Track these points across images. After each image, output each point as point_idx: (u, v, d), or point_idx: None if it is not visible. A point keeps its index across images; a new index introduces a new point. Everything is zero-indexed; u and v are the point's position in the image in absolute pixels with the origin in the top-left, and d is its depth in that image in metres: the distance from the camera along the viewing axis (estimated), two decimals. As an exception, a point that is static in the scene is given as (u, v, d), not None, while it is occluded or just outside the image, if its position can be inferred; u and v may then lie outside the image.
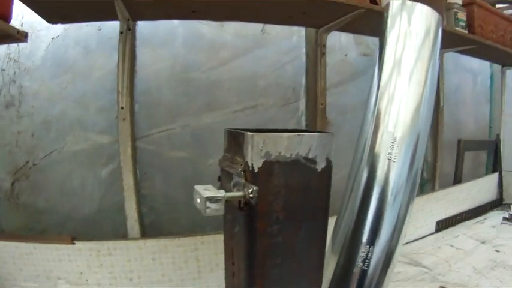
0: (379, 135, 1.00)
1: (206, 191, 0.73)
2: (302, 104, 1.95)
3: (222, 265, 1.47)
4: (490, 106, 2.97)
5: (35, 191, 1.70)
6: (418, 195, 2.10)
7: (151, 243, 1.52)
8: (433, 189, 2.38)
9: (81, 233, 1.55)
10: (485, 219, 2.46)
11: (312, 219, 0.83)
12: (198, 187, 0.76)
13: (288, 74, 1.93)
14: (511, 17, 2.31)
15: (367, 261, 1.00)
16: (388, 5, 1.04)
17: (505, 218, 2.37)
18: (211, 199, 0.70)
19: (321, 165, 0.81)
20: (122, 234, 1.60)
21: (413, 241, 2.10)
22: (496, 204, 2.69)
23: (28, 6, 1.35)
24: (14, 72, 1.65)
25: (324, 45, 1.78)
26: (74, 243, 1.48)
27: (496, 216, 2.48)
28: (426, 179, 2.46)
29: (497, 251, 1.94)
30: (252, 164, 0.74)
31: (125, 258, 1.51)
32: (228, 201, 0.72)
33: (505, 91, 2.82)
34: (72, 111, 1.69)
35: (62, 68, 1.67)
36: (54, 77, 1.67)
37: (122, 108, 1.51)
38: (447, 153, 2.55)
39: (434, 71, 1.04)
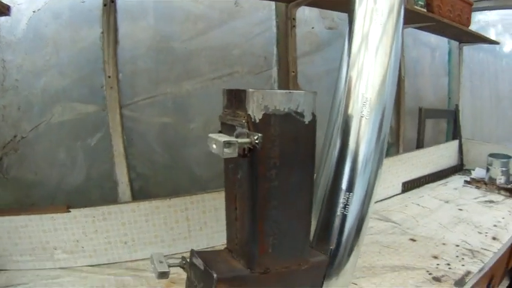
0: (351, 98, 1.11)
1: (221, 137, 0.81)
2: (274, 72, 2.04)
3: (210, 223, 1.60)
4: (449, 79, 3.15)
5: (24, 165, 1.72)
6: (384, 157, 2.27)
7: (144, 206, 1.58)
8: (397, 153, 2.53)
9: (71, 203, 1.57)
10: (447, 182, 2.64)
11: (301, 165, 0.93)
12: (212, 135, 0.84)
13: (260, 44, 2.00)
14: None
15: (347, 206, 1.11)
16: None
17: (466, 181, 2.56)
18: (227, 143, 0.79)
19: (308, 119, 0.91)
20: (111, 201, 1.64)
21: (382, 200, 2.24)
22: (457, 169, 2.88)
23: None
24: None
25: (294, 19, 1.88)
26: (70, 211, 1.52)
27: (457, 180, 2.66)
28: (390, 143, 2.60)
29: (460, 209, 2.10)
30: (254, 116, 0.83)
31: (119, 222, 1.57)
32: (240, 148, 0.82)
33: (462, 66, 3.02)
34: (57, 82, 1.69)
35: (45, 40, 1.67)
36: (37, 49, 1.67)
37: (109, 77, 1.56)
38: (409, 120, 2.71)
39: (398, 43, 1.13)
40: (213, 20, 1.89)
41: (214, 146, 0.81)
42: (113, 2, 1.53)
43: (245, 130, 0.83)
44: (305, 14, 2.09)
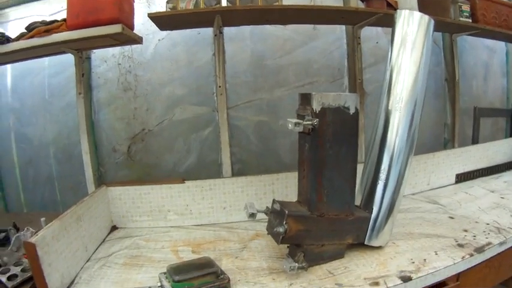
0: (391, 95, 1.47)
1: (294, 120, 1.28)
2: (346, 80, 2.42)
3: (291, 196, 1.90)
4: (507, 79, 3.24)
5: (148, 151, 2.19)
6: (440, 150, 2.48)
7: (241, 180, 1.94)
8: (452, 147, 2.72)
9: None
10: (500, 176, 2.67)
11: (348, 142, 1.38)
12: (289, 119, 1.29)
13: (334, 58, 2.39)
14: (511, 3, 2.55)
15: (388, 178, 1.49)
16: (396, 11, 1.51)
17: None
18: (297, 123, 1.27)
19: (352, 111, 1.35)
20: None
21: (435, 188, 2.40)
22: None
23: (153, 21, 1.80)
24: (129, 65, 2.13)
25: (359, 37, 2.24)
26: (184, 182, 1.89)
27: (511, 175, 2.68)
28: (447, 139, 2.82)
29: (502, 197, 2.16)
30: (315, 109, 1.29)
31: (221, 192, 1.92)
32: (304, 127, 1.27)
33: None
34: (178, 91, 2.18)
35: (169, 61, 2.16)
36: (162, 67, 2.16)
37: (220, 86, 2.00)
38: (467, 119, 2.90)
39: (428, 51, 1.46)
40: (297, 41, 2.32)
41: (289, 126, 1.28)
42: (221, 33, 2.00)
43: (310, 117, 1.30)
44: (371, 32, 2.44)
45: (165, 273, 1.29)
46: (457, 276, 1.46)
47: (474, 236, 1.64)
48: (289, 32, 2.29)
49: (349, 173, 1.42)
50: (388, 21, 1.68)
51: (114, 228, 1.90)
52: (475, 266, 1.49)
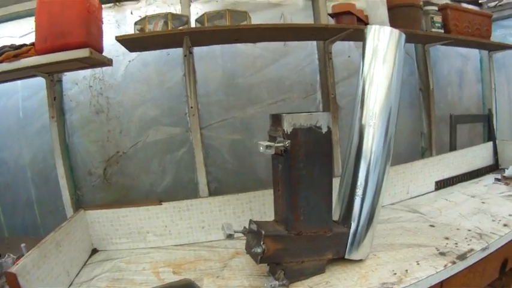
0: (364, 110, 1.48)
1: (265, 143, 1.27)
2: (319, 95, 2.42)
3: (269, 212, 1.88)
4: (482, 85, 3.30)
5: (123, 173, 2.17)
6: (418, 159, 2.51)
7: (218, 199, 1.95)
8: (430, 155, 2.72)
9: (162, 200, 1.94)
10: (480, 180, 2.70)
11: (321, 161, 1.38)
12: (260, 142, 1.29)
13: (306, 74, 2.40)
14: (483, 11, 2.63)
15: (364, 193, 1.50)
16: (366, 27, 1.53)
17: (496, 179, 2.63)
18: (268, 146, 1.26)
19: (324, 130, 1.35)
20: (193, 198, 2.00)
21: (415, 197, 2.42)
22: (493, 168, 2.92)
23: (121, 43, 1.78)
24: (101, 87, 2.11)
25: (330, 53, 2.25)
26: (162, 204, 1.90)
27: (490, 178, 2.70)
28: (425, 148, 2.84)
29: (483, 202, 2.18)
30: (286, 130, 1.29)
31: (199, 212, 1.93)
32: (276, 149, 1.27)
33: (493, 72, 3.13)
34: (151, 112, 2.17)
35: (140, 82, 2.15)
36: (133, 89, 2.15)
37: (192, 107, 1.99)
38: (444, 127, 2.92)
39: (400, 64, 1.48)
40: (267, 58, 2.32)
41: (261, 149, 1.27)
42: (191, 53, 1.99)
43: (281, 139, 1.30)
44: (343, 46, 2.45)
45: None
46: (441, 285, 1.47)
47: (456, 244, 1.65)
48: (260, 49, 2.30)
49: (325, 191, 1.42)
50: (359, 35, 1.70)
51: (94, 251, 1.89)
52: (458, 273, 1.50)
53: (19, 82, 2.09)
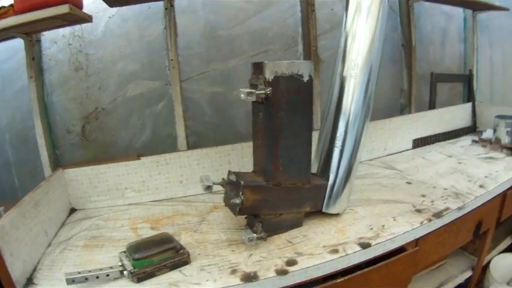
0: (346, 61, 1.47)
1: (246, 90, 1.26)
2: (300, 48, 2.40)
3: (248, 165, 1.86)
4: (464, 45, 3.27)
5: (102, 130, 2.14)
6: (396, 116, 2.51)
7: (196, 152, 1.94)
8: (409, 112, 2.75)
9: (141, 155, 1.92)
10: (457, 141, 2.74)
11: (302, 110, 1.36)
12: (241, 89, 1.27)
13: (288, 26, 2.36)
14: None
15: (344, 144, 1.50)
16: None
17: (473, 141, 2.66)
18: (249, 93, 1.24)
19: (306, 78, 1.33)
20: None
21: (393, 154, 2.45)
22: (470, 130, 2.94)
23: None
24: (80, 45, 2.05)
25: (313, 4, 2.22)
26: (140, 159, 1.88)
27: (468, 140, 2.73)
28: (404, 105, 2.85)
29: (459, 163, 2.20)
30: (268, 77, 1.27)
31: (178, 166, 1.92)
32: (257, 96, 1.25)
33: (477, 32, 3.11)
34: (130, 67, 2.12)
35: (119, 37, 2.09)
36: (113, 44, 2.09)
37: (172, 60, 1.96)
38: (424, 84, 2.92)
39: (384, 17, 1.44)
40: (250, 10, 2.28)
41: (242, 95, 1.26)
42: (172, 6, 1.95)
43: (262, 87, 1.27)
44: None
45: (124, 252, 1.28)
46: (416, 242, 1.49)
47: (432, 201, 1.67)
48: (242, 2, 2.25)
49: (305, 141, 1.41)
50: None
51: (73, 210, 1.87)
52: (433, 231, 1.52)
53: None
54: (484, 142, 2.57)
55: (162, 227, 1.60)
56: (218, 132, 2.31)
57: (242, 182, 1.29)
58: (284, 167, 1.37)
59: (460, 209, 1.61)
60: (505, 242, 2.43)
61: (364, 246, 1.31)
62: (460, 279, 2.05)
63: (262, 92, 1.26)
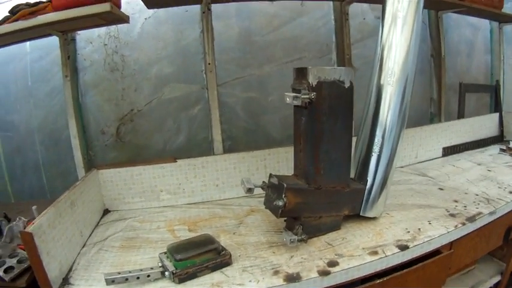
0: (383, 70, 1.49)
1: (292, 94, 1.29)
2: (334, 56, 2.43)
3: (283, 170, 1.98)
4: (491, 56, 3.29)
5: (137, 132, 2.17)
6: (427, 124, 2.53)
7: (233, 156, 1.95)
8: (439, 121, 2.78)
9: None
10: (485, 150, 2.77)
11: (343, 115, 1.39)
12: (287, 93, 1.31)
13: (322, 34, 2.40)
14: None
15: (381, 150, 1.52)
16: None
17: (501, 149, 2.70)
18: (295, 97, 1.27)
19: (347, 84, 1.36)
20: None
21: (423, 161, 2.48)
22: (498, 140, 2.97)
23: None
24: (116, 46, 2.08)
25: (347, 13, 2.26)
26: (176, 161, 1.89)
27: (495, 149, 2.77)
28: (433, 114, 2.87)
29: (489, 170, 2.24)
30: (312, 82, 1.30)
31: (214, 169, 1.93)
32: (302, 100, 1.28)
33: (503, 44, 3.15)
34: (166, 69, 2.15)
35: (156, 39, 2.12)
36: (149, 46, 2.12)
37: (209, 64, 1.99)
38: (453, 95, 2.95)
39: (418, 27, 1.46)
40: (284, 17, 2.31)
41: (287, 99, 1.29)
42: (209, 10, 1.97)
43: (306, 91, 1.30)
44: (358, 8, 2.45)
45: (165, 253, 1.29)
46: (451, 245, 1.51)
47: (465, 206, 1.69)
48: (276, 7, 2.28)
49: (345, 146, 1.44)
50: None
51: (106, 211, 1.88)
52: (466, 234, 1.54)
53: (27, 44, 2.07)
54: None
55: (200, 229, 1.61)
56: (252, 137, 2.33)
57: (285, 185, 1.32)
58: (325, 171, 1.40)
59: (491, 213, 1.64)
60: None
61: (402, 248, 1.34)
62: (489, 284, 2.07)
63: (307, 96, 1.29)
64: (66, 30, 1.88)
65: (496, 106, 3.11)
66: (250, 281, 1.19)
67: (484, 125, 2.90)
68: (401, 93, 1.48)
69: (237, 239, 1.50)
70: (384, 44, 1.49)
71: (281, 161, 2.02)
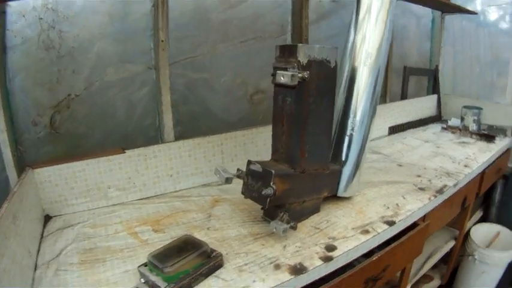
0: (358, 53, 1.48)
1: (287, 71, 1.19)
2: (289, 36, 2.36)
3: (240, 155, 1.91)
4: (431, 43, 3.51)
5: (75, 120, 1.86)
6: None
7: (187, 143, 1.80)
8: (384, 102, 2.92)
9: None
10: (427, 128, 2.99)
11: (328, 95, 1.33)
12: (281, 71, 1.21)
13: (278, 14, 2.31)
14: None
15: (353, 129, 1.51)
16: None
17: (443, 128, 2.95)
18: (292, 76, 1.17)
19: (332, 64, 1.31)
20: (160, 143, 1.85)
21: (372, 140, 2.52)
22: (436, 119, 3.26)
23: None
24: (53, 20, 1.75)
25: None
26: (125, 152, 1.66)
27: (436, 127, 3.01)
28: (380, 95, 2.96)
29: (437, 147, 2.44)
30: (302, 61, 1.21)
31: (167, 158, 1.75)
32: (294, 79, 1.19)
33: (443, 32, 3.39)
34: (110, 47, 1.88)
35: (101, 14, 1.84)
36: (93, 21, 1.83)
37: (162, 41, 1.80)
38: (396, 77, 3.07)
39: (392, 14, 1.48)
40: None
41: (282, 78, 1.18)
42: None
43: (296, 70, 1.21)
44: None
45: (145, 265, 1.10)
46: (424, 217, 1.62)
47: (429, 180, 1.84)
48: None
49: (328, 128, 1.39)
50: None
51: (48, 218, 1.54)
52: (437, 206, 1.68)
53: None
54: (453, 129, 2.86)
55: (167, 228, 1.42)
56: (203, 121, 2.18)
57: (273, 171, 1.21)
58: (309, 154, 1.33)
59: (455, 185, 1.80)
60: (477, 214, 2.84)
61: (390, 223, 1.40)
62: (446, 248, 2.31)
63: (301, 75, 1.20)
64: (-4, -1, 1.55)
65: (434, 88, 3.35)
66: (254, 281, 1.08)
67: (425, 105, 3.12)
68: (376, 73, 1.49)
69: (214, 235, 1.35)
70: (359, 31, 1.49)
71: (238, 146, 1.94)
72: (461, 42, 3.59)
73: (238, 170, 1.35)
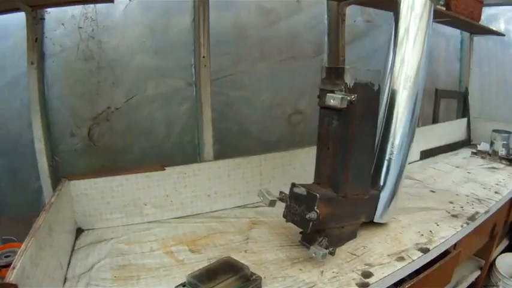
0: (397, 76, 1.45)
1: (337, 95, 1.18)
2: (325, 56, 2.36)
3: (278, 177, 1.88)
4: (460, 64, 3.46)
5: (113, 134, 1.84)
6: None
7: (227, 162, 1.77)
8: (417, 126, 2.85)
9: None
10: (457, 153, 2.94)
11: (371, 118, 1.33)
12: (331, 94, 1.20)
13: (315, 33, 2.32)
14: None
15: (392, 154, 1.49)
16: None
17: (473, 153, 2.88)
18: (342, 99, 1.17)
19: (376, 87, 1.30)
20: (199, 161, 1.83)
21: None
22: (466, 143, 3.18)
23: None
24: (92, 30, 1.73)
25: (344, 14, 2.24)
26: (165, 169, 1.64)
27: (466, 152, 2.95)
28: None
29: (468, 172, 2.40)
30: (349, 84, 1.22)
31: (206, 177, 1.73)
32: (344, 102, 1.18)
33: (472, 53, 3.34)
34: (152, 61, 1.86)
35: (141, 25, 1.82)
36: (133, 33, 1.81)
37: (204, 57, 1.77)
38: (426, 99, 3.02)
39: (429, 36, 1.46)
40: (280, 13, 2.18)
41: (332, 101, 1.18)
42: None
43: (343, 93, 1.21)
44: (349, 10, 2.37)
45: (183, 285, 1.09)
46: (455, 245, 1.58)
47: (461, 207, 1.81)
48: (273, 2, 2.15)
49: (370, 152, 1.39)
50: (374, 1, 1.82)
51: (80, 231, 1.54)
52: (468, 233, 1.64)
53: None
54: (483, 154, 2.80)
55: (203, 249, 1.41)
56: (242, 140, 2.16)
57: (318, 195, 1.21)
58: (353, 178, 1.32)
59: (486, 212, 1.76)
60: (503, 243, 2.68)
61: (424, 251, 1.37)
62: (472, 278, 2.24)
63: (349, 98, 1.19)
64: (36, 6, 1.55)
65: (464, 111, 3.29)
66: (294, 305, 1.07)
67: (455, 129, 3.08)
68: (414, 97, 1.47)
69: (252, 258, 1.34)
70: (398, 53, 1.47)
71: (276, 167, 1.91)
72: (487, 63, 3.52)
73: (281, 192, 1.34)
